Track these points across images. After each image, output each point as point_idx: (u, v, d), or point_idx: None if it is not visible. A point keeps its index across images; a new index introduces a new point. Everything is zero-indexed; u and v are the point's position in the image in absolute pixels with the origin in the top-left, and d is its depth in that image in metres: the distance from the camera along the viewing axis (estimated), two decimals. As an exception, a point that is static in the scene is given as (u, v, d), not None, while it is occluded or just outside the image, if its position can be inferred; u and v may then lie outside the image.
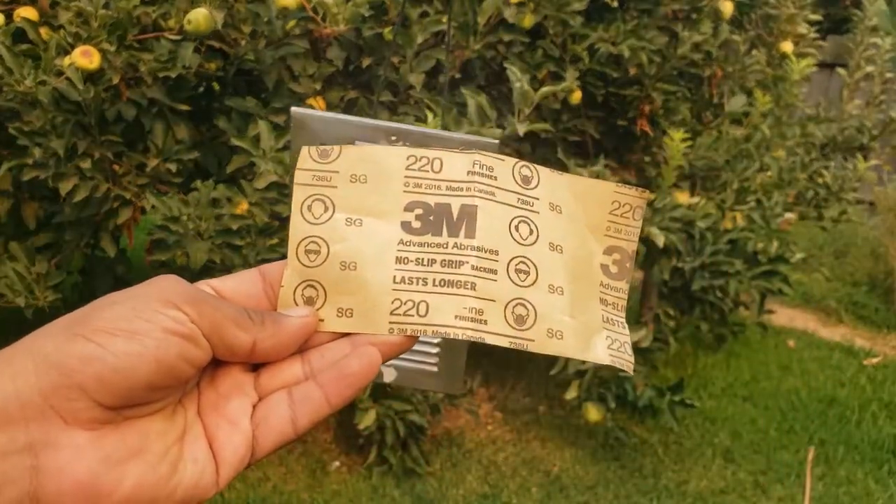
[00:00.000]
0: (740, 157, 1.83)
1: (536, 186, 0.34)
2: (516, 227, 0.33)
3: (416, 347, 0.61)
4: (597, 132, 1.85)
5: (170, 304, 0.27)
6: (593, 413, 1.60)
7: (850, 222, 2.33)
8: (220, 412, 0.29)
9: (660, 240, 1.51)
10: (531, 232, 0.33)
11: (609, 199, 0.34)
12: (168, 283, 0.28)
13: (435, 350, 0.62)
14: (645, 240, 1.56)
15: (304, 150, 0.33)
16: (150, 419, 0.27)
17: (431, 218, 0.32)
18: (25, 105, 1.35)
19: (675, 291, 1.82)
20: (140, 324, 0.26)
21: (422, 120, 1.31)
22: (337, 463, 1.77)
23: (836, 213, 2.17)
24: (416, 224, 0.32)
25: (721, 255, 1.64)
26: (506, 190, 0.33)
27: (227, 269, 1.40)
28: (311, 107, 1.51)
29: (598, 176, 1.56)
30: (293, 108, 0.43)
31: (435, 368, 0.63)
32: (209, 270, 1.42)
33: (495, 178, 0.33)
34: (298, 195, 0.33)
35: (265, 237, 1.39)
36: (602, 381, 1.57)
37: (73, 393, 0.25)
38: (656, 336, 1.75)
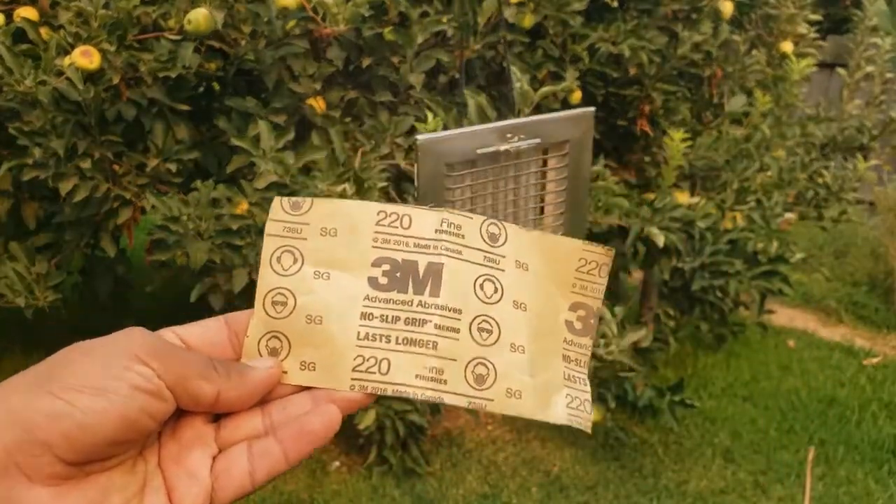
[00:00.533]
0: (740, 157, 1.83)
1: (504, 244, 0.34)
2: (481, 286, 0.33)
3: None
4: (597, 132, 1.85)
5: (137, 360, 0.27)
6: (593, 413, 1.60)
7: (850, 222, 2.33)
8: (180, 464, 0.29)
9: (660, 240, 1.51)
10: (496, 290, 0.33)
11: (576, 256, 0.35)
12: (136, 336, 0.28)
13: None
14: (645, 240, 1.56)
15: (277, 200, 0.33)
16: (111, 473, 0.27)
17: (398, 274, 0.33)
18: (25, 105, 1.35)
19: (675, 291, 1.82)
20: (108, 382, 0.26)
21: (421, 120, 1.31)
22: (337, 463, 1.77)
23: (836, 214, 2.17)
24: (383, 280, 0.33)
25: (721, 255, 1.64)
26: (472, 248, 0.34)
27: (227, 268, 1.40)
28: (312, 107, 1.51)
29: (598, 176, 1.56)
30: (418, 137, 0.44)
31: None
32: (209, 270, 1.42)
33: (462, 237, 0.34)
34: (269, 246, 0.33)
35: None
36: (602, 381, 1.57)
37: (37, 449, 0.25)
38: (656, 336, 1.75)
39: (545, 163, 0.53)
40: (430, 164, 0.47)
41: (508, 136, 0.51)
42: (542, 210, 0.55)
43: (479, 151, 0.49)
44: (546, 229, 0.55)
